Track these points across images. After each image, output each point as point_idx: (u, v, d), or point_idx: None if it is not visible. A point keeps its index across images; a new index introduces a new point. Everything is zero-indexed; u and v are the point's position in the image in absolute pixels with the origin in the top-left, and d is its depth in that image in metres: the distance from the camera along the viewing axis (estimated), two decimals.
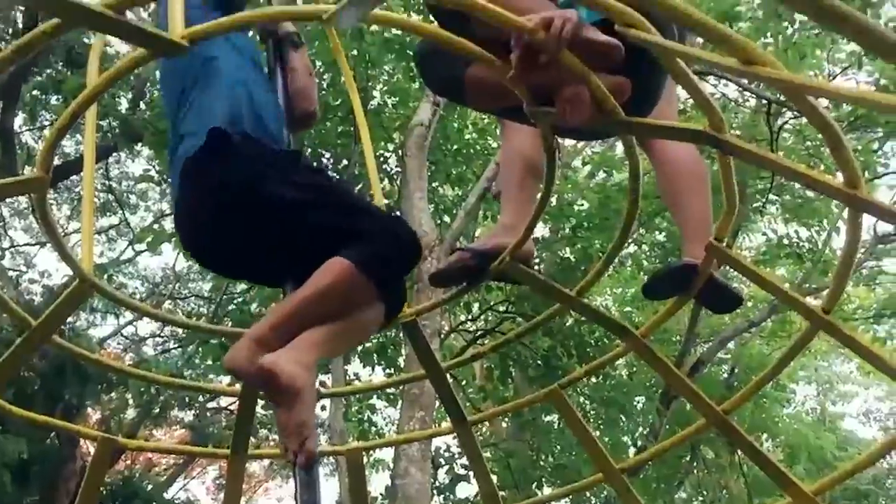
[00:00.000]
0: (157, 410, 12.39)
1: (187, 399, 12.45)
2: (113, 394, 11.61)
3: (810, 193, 10.78)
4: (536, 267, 10.90)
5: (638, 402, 13.32)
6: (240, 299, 12.65)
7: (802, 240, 12.12)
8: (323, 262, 2.24)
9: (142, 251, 14.31)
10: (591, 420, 12.49)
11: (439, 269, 3.25)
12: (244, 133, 2.50)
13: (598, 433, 12.90)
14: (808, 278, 12.58)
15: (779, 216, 12.73)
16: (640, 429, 12.76)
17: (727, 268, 3.58)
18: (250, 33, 3.24)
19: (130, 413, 12.75)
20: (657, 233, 12.35)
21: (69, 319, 11.79)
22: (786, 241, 12.14)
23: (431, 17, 2.57)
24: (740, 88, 10.26)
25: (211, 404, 13.37)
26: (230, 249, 2.51)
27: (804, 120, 8.40)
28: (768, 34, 8.94)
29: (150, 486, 12.59)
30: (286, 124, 2.88)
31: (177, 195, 2.61)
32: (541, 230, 12.59)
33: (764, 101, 9.51)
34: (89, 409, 11.33)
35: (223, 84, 2.62)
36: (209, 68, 2.64)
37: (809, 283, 12.38)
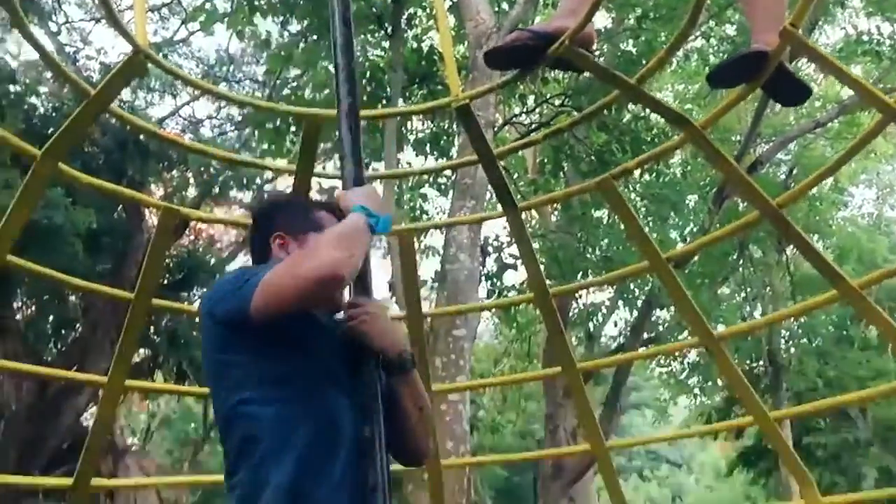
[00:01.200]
0: (217, 190, 12.74)
1: (245, 180, 12.74)
2: (174, 171, 11.94)
3: None
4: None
5: (690, 201, 13.28)
6: (293, 83, 12.59)
7: (884, 36, 11.42)
8: None
9: (195, 31, 14.13)
10: (642, 217, 12.55)
11: (496, 46, 3.16)
12: None
13: (647, 229, 12.93)
14: (883, 78, 12.00)
15: (861, 10, 11.94)
16: (691, 226, 12.81)
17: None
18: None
19: (191, 191, 13.14)
20: (727, 26, 11.74)
21: (127, 98, 11.96)
22: (865, 38, 11.46)
23: None
24: None
25: (268, 186, 13.71)
26: None
27: None
28: None
29: (213, 260, 13.24)
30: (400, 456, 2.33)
31: None
32: (603, 20, 12.03)
33: None
34: (152, 187, 11.68)
35: (263, 453, 2.04)
36: (246, 427, 2.06)
37: (885, 83, 11.82)
